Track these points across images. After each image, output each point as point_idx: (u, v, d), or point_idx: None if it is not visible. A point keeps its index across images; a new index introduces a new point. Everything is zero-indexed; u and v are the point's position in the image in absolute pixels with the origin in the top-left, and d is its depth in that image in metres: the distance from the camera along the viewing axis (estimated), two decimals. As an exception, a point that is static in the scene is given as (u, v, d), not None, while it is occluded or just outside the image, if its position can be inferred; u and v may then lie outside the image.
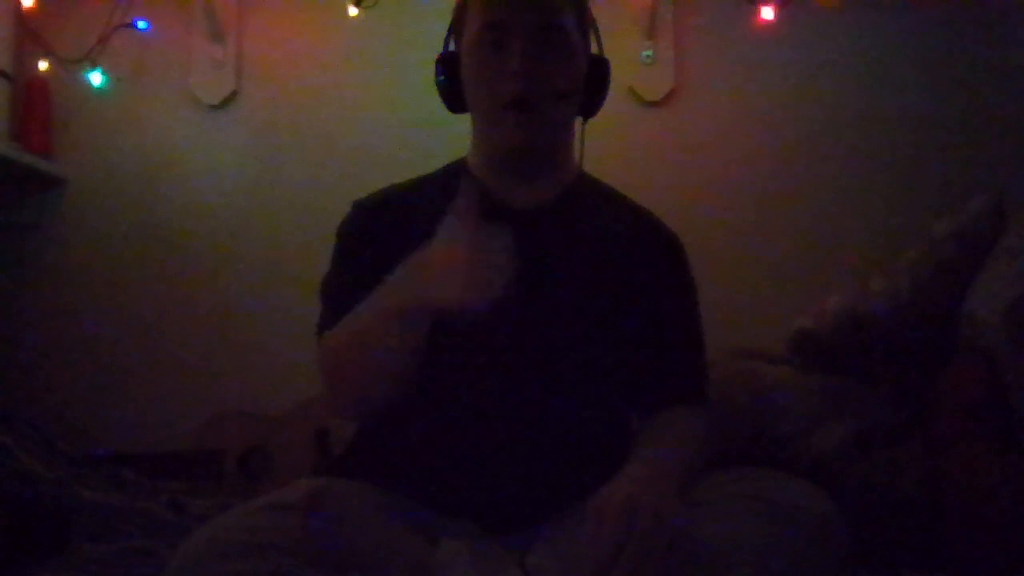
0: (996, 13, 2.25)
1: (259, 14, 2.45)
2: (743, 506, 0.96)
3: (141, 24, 2.42)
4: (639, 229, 1.26)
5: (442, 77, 1.24)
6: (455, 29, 1.25)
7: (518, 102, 1.15)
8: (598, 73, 1.25)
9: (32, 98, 2.41)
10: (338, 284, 1.21)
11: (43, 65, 2.43)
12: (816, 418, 1.55)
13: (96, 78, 2.43)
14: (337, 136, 2.39)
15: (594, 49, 1.26)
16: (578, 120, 1.27)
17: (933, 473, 1.43)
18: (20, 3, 2.39)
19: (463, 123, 1.29)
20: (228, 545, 0.91)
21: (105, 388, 2.38)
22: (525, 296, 1.14)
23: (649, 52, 2.32)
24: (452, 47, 1.26)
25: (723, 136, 2.33)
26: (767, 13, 2.28)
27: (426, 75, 1.32)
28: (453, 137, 1.32)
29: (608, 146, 2.29)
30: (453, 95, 1.24)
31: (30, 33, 2.44)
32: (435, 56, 1.26)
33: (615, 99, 2.30)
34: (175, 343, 2.39)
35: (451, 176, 1.27)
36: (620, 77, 2.30)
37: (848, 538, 0.98)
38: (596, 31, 1.27)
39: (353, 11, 2.33)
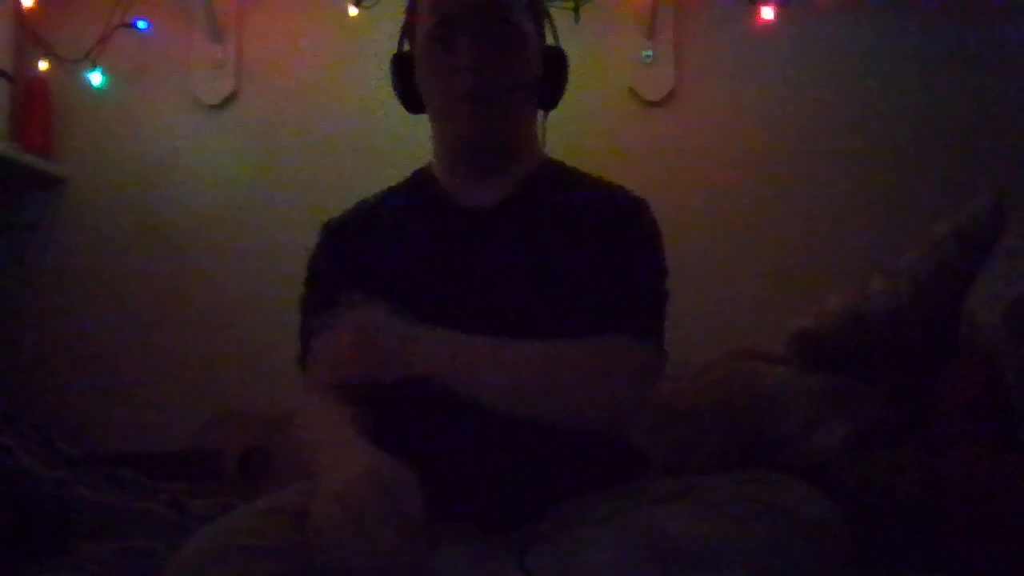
0: (996, 12, 2.25)
1: (259, 14, 2.45)
2: (742, 508, 0.95)
3: (141, 24, 2.42)
4: (596, 204, 1.24)
5: (396, 78, 1.26)
6: (407, 30, 1.27)
7: (469, 95, 1.16)
8: (554, 64, 1.25)
9: (32, 98, 2.41)
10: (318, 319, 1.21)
11: (43, 65, 2.43)
12: (816, 418, 1.55)
13: (96, 78, 2.43)
14: (337, 136, 2.39)
15: (550, 40, 1.27)
16: (540, 112, 1.27)
17: (933, 473, 1.43)
18: (20, 3, 2.40)
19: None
20: (227, 549, 0.91)
21: (105, 388, 2.38)
22: (490, 295, 1.15)
23: (649, 52, 2.32)
24: (407, 47, 1.27)
25: (723, 136, 2.33)
26: (767, 13, 2.28)
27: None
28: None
29: (608, 146, 2.29)
30: (409, 96, 1.25)
31: (30, 33, 2.44)
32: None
33: (615, 99, 2.35)
34: (175, 343, 2.39)
35: (416, 183, 1.29)
36: (620, 77, 2.33)
37: (848, 541, 0.98)
38: (551, 22, 1.28)
39: (353, 11, 2.34)
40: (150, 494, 1.72)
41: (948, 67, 2.26)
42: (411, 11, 1.25)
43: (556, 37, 1.28)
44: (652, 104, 2.34)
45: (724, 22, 2.33)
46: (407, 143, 2.29)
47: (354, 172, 2.33)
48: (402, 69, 1.25)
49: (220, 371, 2.36)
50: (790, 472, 1.09)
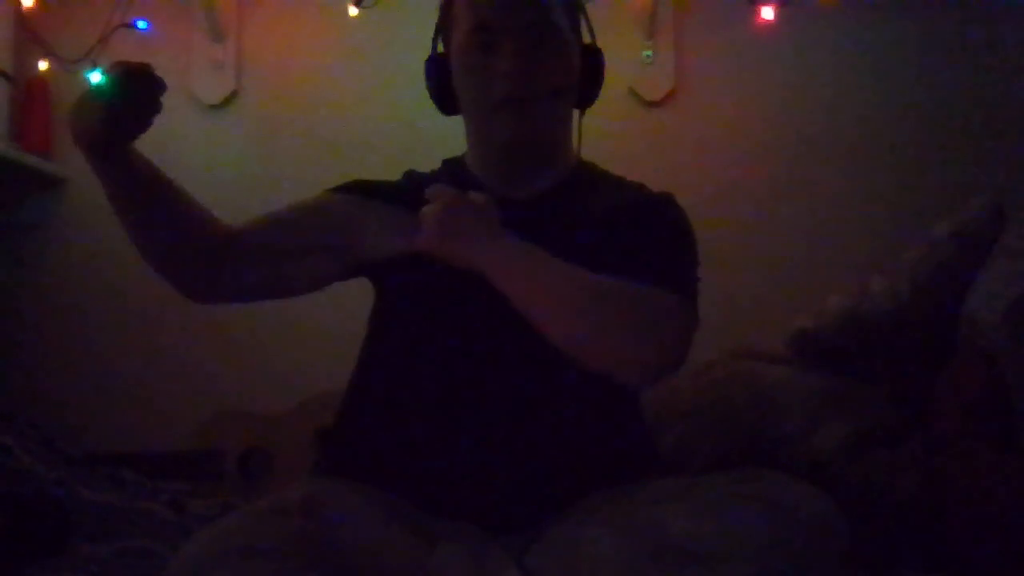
0: (996, 12, 2.25)
1: (259, 14, 2.45)
2: (743, 506, 0.95)
3: (141, 24, 2.41)
4: (631, 195, 1.26)
5: (432, 80, 1.25)
6: (442, 30, 1.25)
7: (510, 101, 1.15)
8: (592, 63, 1.24)
9: (32, 98, 2.41)
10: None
11: (43, 65, 2.43)
12: (816, 418, 1.55)
13: (96, 78, 2.43)
14: (337, 136, 2.39)
15: (586, 38, 1.26)
16: (575, 111, 1.26)
17: (933, 473, 1.43)
18: (20, 3, 2.40)
19: (463, 122, 1.29)
20: (227, 550, 0.91)
21: (105, 388, 2.37)
22: None
23: (649, 52, 2.32)
24: (440, 48, 1.26)
25: (723, 136, 2.33)
26: (767, 13, 2.28)
27: (426, 75, 1.32)
28: (453, 137, 1.33)
29: (608, 146, 2.27)
30: (444, 97, 1.24)
31: (30, 33, 2.44)
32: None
33: (615, 99, 2.35)
34: (175, 343, 2.38)
35: (451, 172, 1.28)
36: (620, 77, 2.32)
37: (848, 539, 0.98)
38: (588, 20, 1.27)
39: (353, 11, 2.33)
40: (150, 494, 1.72)
41: (948, 67, 2.26)
42: (445, 13, 1.24)
43: (593, 35, 1.27)
44: (652, 104, 2.34)
45: (724, 22, 2.33)
46: (407, 143, 2.31)
47: (354, 172, 2.30)
48: (437, 71, 1.24)
49: (220, 371, 2.36)
50: (790, 472, 1.09)
